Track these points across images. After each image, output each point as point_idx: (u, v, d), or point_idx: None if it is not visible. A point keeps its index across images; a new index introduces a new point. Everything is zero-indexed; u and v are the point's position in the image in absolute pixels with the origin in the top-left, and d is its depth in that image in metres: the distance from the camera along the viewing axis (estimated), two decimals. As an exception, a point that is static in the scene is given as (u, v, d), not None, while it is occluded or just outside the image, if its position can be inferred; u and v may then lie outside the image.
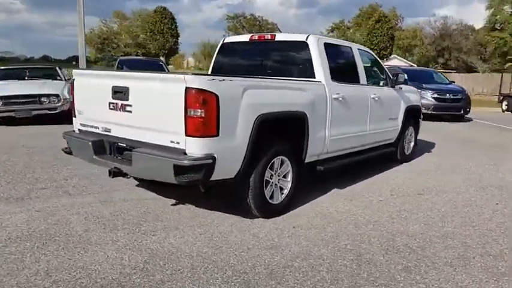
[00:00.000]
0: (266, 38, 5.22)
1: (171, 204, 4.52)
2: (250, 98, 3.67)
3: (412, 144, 7.23)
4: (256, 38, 5.32)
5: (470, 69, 60.84)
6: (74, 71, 4.39)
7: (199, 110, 3.30)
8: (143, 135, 3.70)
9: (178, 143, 3.45)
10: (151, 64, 13.83)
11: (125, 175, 3.94)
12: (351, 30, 78.72)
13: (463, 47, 67.32)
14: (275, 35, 5.16)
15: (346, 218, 4.26)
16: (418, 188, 5.46)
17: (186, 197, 4.64)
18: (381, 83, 6.11)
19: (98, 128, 4.14)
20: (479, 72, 51.49)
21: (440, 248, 3.57)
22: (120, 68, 13.07)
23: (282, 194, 4.28)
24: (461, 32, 70.76)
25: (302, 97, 4.33)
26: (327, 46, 4.93)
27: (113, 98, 3.84)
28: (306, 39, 4.84)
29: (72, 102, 4.40)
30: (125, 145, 3.90)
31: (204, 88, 3.31)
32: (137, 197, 4.72)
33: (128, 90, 3.71)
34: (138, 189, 5.03)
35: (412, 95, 7.08)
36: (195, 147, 3.37)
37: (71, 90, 4.41)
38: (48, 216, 4.08)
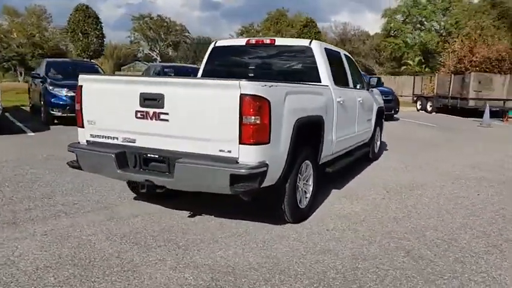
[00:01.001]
0: (265, 42, 5.22)
1: (188, 216, 4.31)
2: (291, 103, 3.67)
3: (378, 143, 7.72)
4: (254, 42, 5.29)
5: (368, 72, 65.85)
6: (82, 76, 3.97)
7: (254, 117, 3.22)
8: (183, 145, 3.50)
9: (229, 151, 3.32)
10: (85, 67, 12.83)
11: (155, 188, 3.66)
12: (260, 34, 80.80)
13: (361, 51, 72.47)
14: (275, 39, 5.18)
15: (366, 217, 4.43)
16: (404, 184, 5.85)
17: (191, 208, 4.45)
18: (360, 86, 6.43)
19: (117, 139, 3.80)
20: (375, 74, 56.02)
21: (468, 238, 3.90)
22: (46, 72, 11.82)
23: (306, 198, 4.33)
24: (359, 38, 76.13)
25: (320, 101, 4.42)
26: (326, 51, 5.08)
27: (142, 106, 3.57)
28: (310, 44, 4.94)
29: (78, 111, 3.98)
30: (156, 156, 3.64)
31: (259, 94, 3.25)
32: (145, 211, 4.42)
33: (162, 98, 3.47)
34: (137, 202, 4.72)
35: (379, 97, 7.56)
36: (249, 156, 3.29)
37: (77, 98, 3.98)
38: (63, 240, 3.66)
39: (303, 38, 41.13)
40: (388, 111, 14.64)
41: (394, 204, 4.93)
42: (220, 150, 3.36)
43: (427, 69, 46.60)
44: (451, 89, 17.51)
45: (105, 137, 3.87)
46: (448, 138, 11.33)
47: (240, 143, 3.27)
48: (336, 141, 4.95)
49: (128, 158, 3.75)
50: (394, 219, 4.38)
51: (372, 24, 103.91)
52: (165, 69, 13.88)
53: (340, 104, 5.01)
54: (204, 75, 5.46)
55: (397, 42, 61.04)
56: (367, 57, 71.08)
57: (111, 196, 4.94)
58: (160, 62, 69.83)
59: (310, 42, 4.98)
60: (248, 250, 3.52)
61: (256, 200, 3.84)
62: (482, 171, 6.90)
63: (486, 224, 4.31)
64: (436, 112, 18.74)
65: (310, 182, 4.38)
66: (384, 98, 14.42)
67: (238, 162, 3.31)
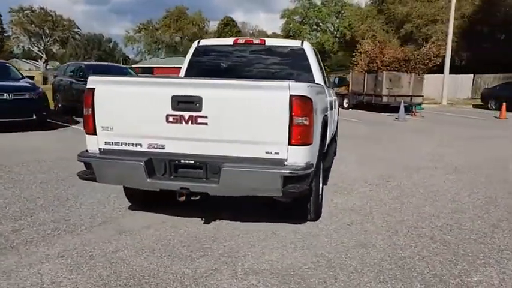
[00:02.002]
0: (255, 42, 5.21)
1: (204, 223, 4.16)
2: (319, 103, 3.76)
3: (336, 138, 8.13)
4: (243, 42, 5.25)
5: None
6: (94, 78, 3.59)
7: (302, 118, 3.26)
8: (224, 149, 3.39)
9: (277, 153, 3.31)
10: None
11: (191, 195, 3.48)
12: (159, 32, 78.74)
13: (262, 50, 73.75)
14: (265, 39, 5.21)
15: (371, 210, 4.67)
16: (377, 177, 6.26)
17: (194, 213, 4.31)
18: (328, 84, 6.72)
19: (141, 146, 3.54)
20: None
21: (469, 221, 4.34)
22: None
23: (320, 194, 4.45)
24: (258, 37, 77.55)
25: (327, 100, 4.58)
26: (314, 51, 5.25)
27: (175, 110, 3.37)
28: (302, 45, 5.06)
29: (89, 116, 3.61)
30: (192, 162, 3.46)
31: (306, 95, 3.29)
32: (153, 221, 4.15)
33: (200, 100, 3.32)
34: (138, 213, 4.42)
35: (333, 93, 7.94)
36: (297, 157, 3.31)
37: (87, 101, 3.60)
38: (89, 260, 3.32)
39: (225, 36, 41.24)
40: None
41: (384, 195, 5.27)
42: (267, 152, 3.32)
43: (327, 69, 49.58)
44: (365, 87, 18.99)
45: (126, 144, 3.57)
46: (380, 132, 12.30)
47: (290, 144, 3.27)
48: (327, 139, 5.15)
49: (155, 165, 3.51)
50: (396, 210, 4.69)
51: (269, 23, 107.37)
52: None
53: (330, 103, 5.21)
54: (187, 75, 5.27)
55: (297, 43, 64.13)
56: (267, 56, 72.91)
57: (102, 209, 4.56)
58: (45, 59, 63.90)
59: (302, 43, 5.10)
60: (291, 251, 3.53)
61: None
62: (432, 161, 7.64)
63: (472, 207, 4.83)
64: (352, 108, 20.12)
65: (321, 179, 4.50)
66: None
67: (286, 164, 3.31)
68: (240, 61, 5.33)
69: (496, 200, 5.14)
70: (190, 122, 3.37)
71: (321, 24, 67.49)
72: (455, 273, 3.17)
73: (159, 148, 3.51)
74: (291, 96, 3.21)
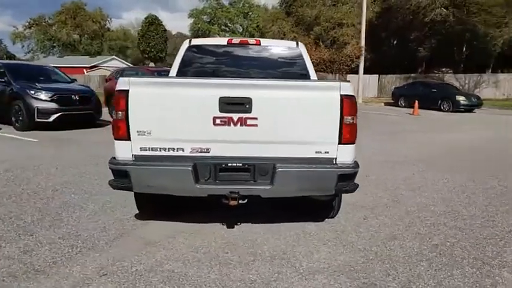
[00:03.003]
0: (250, 42, 5.20)
1: (227, 228, 4.08)
2: None
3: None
4: (238, 42, 5.21)
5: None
6: (128, 79, 3.31)
7: (350, 117, 3.38)
8: (274, 150, 3.38)
9: (327, 152, 3.39)
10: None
11: (238, 199, 3.41)
12: (54, 28, 72.96)
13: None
14: (260, 40, 5.21)
15: (377, 204, 4.95)
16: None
17: (208, 218, 4.23)
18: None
19: (184, 150, 3.37)
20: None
21: (467, 209, 4.80)
22: None
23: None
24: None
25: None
26: (303, 51, 5.40)
27: (223, 112, 3.28)
28: (297, 46, 5.18)
29: (122, 121, 3.33)
30: (240, 165, 3.39)
31: (353, 94, 3.41)
32: (173, 230, 3.97)
33: (250, 102, 3.27)
34: (151, 223, 4.19)
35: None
36: (346, 155, 3.43)
37: (119, 104, 3.33)
38: (153, 275, 3.10)
39: (150, 35, 39.37)
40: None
41: (375, 189, 5.59)
42: (317, 152, 3.39)
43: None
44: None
45: (165, 149, 3.37)
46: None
47: (340, 143, 3.37)
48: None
49: (199, 170, 3.37)
50: (395, 202, 5.02)
51: (169, 22, 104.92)
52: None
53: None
54: (178, 74, 5.08)
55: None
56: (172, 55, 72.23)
57: (107, 220, 4.23)
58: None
59: (297, 44, 5.21)
60: (335, 248, 3.63)
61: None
62: (393, 156, 8.20)
63: (455, 195, 5.35)
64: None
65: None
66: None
67: (336, 163, 3.40)
68: (235, 61, 5.27)
69: (467, 186, 5.74)
70: (239, 124, 3.29)
71: (229, 24, 68.30)
72: (489, 255, 3.53)
73: (204, 152, 3.37)
74: (341, 96, 3.30)
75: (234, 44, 5.16)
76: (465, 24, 27.77)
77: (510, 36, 24.92)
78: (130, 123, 3.30)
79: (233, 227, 4.08)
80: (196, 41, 5.22)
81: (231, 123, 3.28)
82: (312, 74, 5.10)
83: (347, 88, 3.33)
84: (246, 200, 3.44)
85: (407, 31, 32.81)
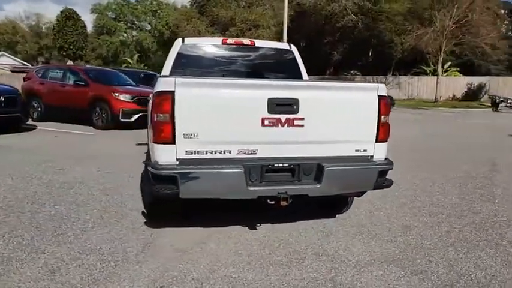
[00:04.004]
0: (245, 43, 5.22)
1: (250, 229, 4.09)
2: None
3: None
4: (232, 42, 5.19)
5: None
6: (173, 79, 3.14)
7: (386, 116, 3.62)
8: (318, 150, 3.48)
9: (365, 150, 3.59)
10: None
11: (285, 200, 3.44)
12: None
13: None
14: (254, 41, 5.26)
15: (373, 197, 5.26)
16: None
17: (222, 222, 4.24)
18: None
19: (231, 152, 3.32)
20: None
21: (474, 196, 5.32)
22: None
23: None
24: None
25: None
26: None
27: (271, 113, 3.29)
28: (290, 47, 5.34)
29: (167, 123, 3.17)
30: (286, 165, 3.43)
31: (387, 95, 3.65)
32: (197, 236, 3.89)
33: (297, 103, 3.34)
34: (166, 230, 4.02)
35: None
36: (382, 152, 3.65)
37: (163, 106, 3.16)
38: (219, 282, 3.01)
39: (68, 31, 35.76)
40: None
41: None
42: (357, 150, 3.56)
43: (146, 67, 48.87)
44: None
45: (212, 152, 3.28)
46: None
47: (376, 141, 3.58)
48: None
49: (248, 171, 3.34)
50: (388, 197, 5.38)
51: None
52: None
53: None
54: (172, 73, 4.93)
55: (112, 41, 61.24)
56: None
57: (118, 231, 3.97)
58: None
59: (290, 46, 5.35)
60: (367, 241, 3.82)
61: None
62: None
63: (438, 188, 5.90)
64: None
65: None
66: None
67: (374, 160, 3.60)
68: (230, 62, 5.25)
69: (432, 178, 6.34)
70: (286, 124, 3.33)
71: (136, 22, 65.87)
72: (496, 236, 4.00)
73: (251, 153, 3.35)
74: (378, 96, 3.51)
75: (228, 44, 5.13)
76: (372, 31, 30.14)
77: (410, 44, 27.55)
78: (176, 126, 3.15)
79: (255, 229, 4.08)
80: (189, 40, 5.09)
81: (279, 124, 3.30)
82: (304, 74, 5.27)
83: (383, 89, 3.54)
84: (291, 201, 3.47)
85: (320, 35, 34.63)
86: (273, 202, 3.47)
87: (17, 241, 3.67)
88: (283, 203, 3.35)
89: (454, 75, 33.29)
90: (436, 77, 29.70)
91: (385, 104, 3.54)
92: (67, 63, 29.31)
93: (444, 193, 5.54)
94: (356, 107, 3.49)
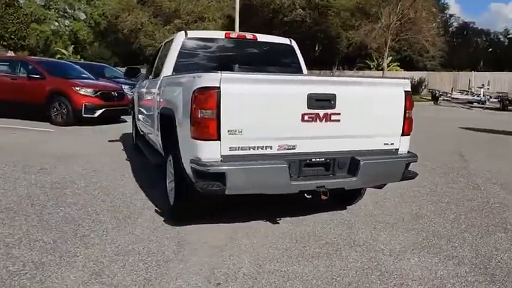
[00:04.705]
0: (248, 37, 5.26)
1: (273, 224, 4.19)
2: None
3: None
4: (235, 37, 5.22)
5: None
6: (218, 75, 3.13)
7: (410, 111, 3.86)
8: (351, 144, 3.64)
9: (392, 143, 3.81)
10: None
11: (325, 193, 3.57)
12: None
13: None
14: (256, 35, 5.31)
15: (369, 190, 5.53)
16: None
17: (238, 218, 4.34)
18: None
19: (272, 148, 3.39)
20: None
21: (483, 179, 5.73)
22: None
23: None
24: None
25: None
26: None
27: (310, 108, 3.40)
28: (290, 42, 5.46)
29: (212, 120, 3.17)
30: (322, 159, 3.55)
31: (410, 90, 3.89)
32: (222, 234, 3.94)
33: (334, 98, 3.48)
34: (189, 228, 4.01)
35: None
36: (406, 145, 3.89)
37: (208, 103, 3.15)
38: (277, 280, 3.08)
39: (8, 19, 32.61)
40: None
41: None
42: (385, 144, 3.76)
43: (82, 59, 46.62)
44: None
45: (254, 148, 3.32)
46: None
47: (402, 134, 3.80)
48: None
49: (289, 166, 3.43)
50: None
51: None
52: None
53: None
54: (178, 70, 4.88)
55: (43, 30, 57.76)
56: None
57: (142, 230, 3.93)
58: None
59: (290, 40, 5.47)
60: (390, 232, 4.03)
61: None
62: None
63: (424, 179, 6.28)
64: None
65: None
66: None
67: (400, 153, 3.83)
68: (234, 56, 5.27)
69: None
70: (324, 119, 3.45)
71: (69, 10, 62.56)
72: (500, 221, 4.39)
73: (291, 149, 3.43)
74: (405, 91, 3.73)
75: (231, 38, 5.15)
76: (320, 25, 30.99)
77: (359, 39, 28.69)
78: (222, 123, 3.17)
79: (278, 223, 4.18)
80: (193, 34, 5.04)
81: (317, 119, 3.42)
82: (304, 69, 5.42)
83: (408, 85, 3.76)
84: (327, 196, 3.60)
85: (268, 29, 34.92)
86: (310, 196, 3.57)
87: (39, 245, 3.49)
88: (324, 197, 3.47)
89: (396, 70, 35.09)
90: (379, 71, 31.19)
91: (410, 98, 3.76)
92: (7, 54, 27.29)
93: (434, 183, 5.93)
94: (385, 101, 3.69)
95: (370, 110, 3.63)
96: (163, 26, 40.62)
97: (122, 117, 12.24)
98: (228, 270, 3.16)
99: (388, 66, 34.47)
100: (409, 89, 3.78)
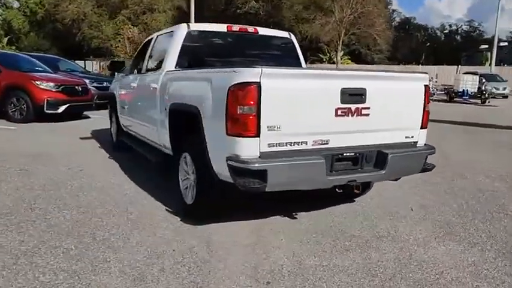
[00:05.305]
0: (249, 31, 5.22)
1: (291, 219, 4.24)
2: None
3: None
4: (237, 30, 5.16)
5: None
6: (264, 70, 3.08)
7: (428, 104, 4.02)
8: (378, 138, 3.73)
9: (412, 136, 3.95)
10: None
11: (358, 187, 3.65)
12: None
13: None
14: (257, 29, 5.29)
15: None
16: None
17: (249, 215, 4.38)
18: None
19: (307, 143, 3.40)
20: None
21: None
22: None
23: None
24: None
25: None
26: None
27: (343, 103, 3.46)
28: (290, 36, 5.50)
29: (252, 116, 3.13)
30: (352, 154, 3.62)
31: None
32: (248, 229, 3.95)
33: (365, 92, 3.55)
34: (210, 227, 3.98)
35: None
36: (423, 138, 4.05)
37: (248, 97, 3.11)
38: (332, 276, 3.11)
39: None
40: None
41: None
42: (406, 137, 3.90)
43: (17, 50, 43.94)
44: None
45: (291, 144, 3.32)
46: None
47: (421, 127, 3.96)
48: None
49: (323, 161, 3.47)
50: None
51: None
52: None
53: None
54: (179, 61, 4.77)
55: None
56: None
57: (172, 237, 3.83)
58: None
59: (289, 34, 5.50)
60: (405, 223, 4.14)
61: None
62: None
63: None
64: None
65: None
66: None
67: (418, 146, 3.98)
68: (232, 47, 5.23)
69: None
70: (355, 114, 3.52)
71: (3, -3, 58.44)
72: (499, 208, 4.66)
73: (324, 144, 3.46)
74: (424, 85, 3.89)
75: (233, 31, 5.09)
76: (273, 18, 31.22)
77: (313, 33, 29.22)
78: (261, 119, 3.14)
79: (296, 218, 4.22)
80: (195, 26, 4.92)
81: (349, 114, 3.48)
82: (303, 63, 5.48)
83: (427, 79, 3.92)
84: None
85: (220, 21, 34.68)
86: (341, 190, 3.63)
87: (62, 252, 3.31)
88: (357, 191, 3.54)
89: (347, 63, 36.15)
90: (331, 64, 31.94)
91: (428, 93, 3.91)
92: None
93: (425, 174, 6.18)
94: (408, 95, 3.82)
95: (395, 104, 3.73)
96: (109, 17, 39.19)
97: (85, 113, 11.74)
98: (270, 268, 3.15)
99: (340, 59, 35.45)
100: (428, 83, 3.92)
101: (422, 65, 38.08)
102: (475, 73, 26.18)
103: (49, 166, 5.94)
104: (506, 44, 47.84)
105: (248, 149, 3.17)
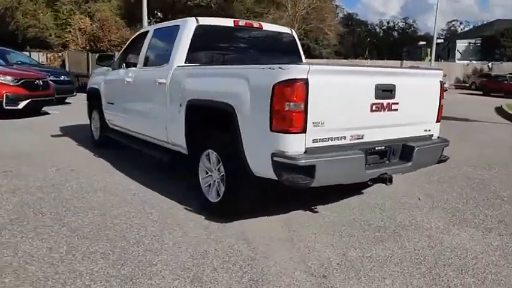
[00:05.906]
0: (255, 26, 5.23)
1: (304, 211, 4.35)
2: None
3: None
4: (244, 25, 5.15)
5: None
6: (312, 66, 3.11)
7: (443, 100, 4.26)
8: (403, 132, 3.91)
9: (429, 130, 4.18)
10: None
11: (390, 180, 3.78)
12: None
13: None
14: (262, 24, 5.30)
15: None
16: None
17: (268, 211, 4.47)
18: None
19: (345, 138, 3.50)
20: None
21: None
22: None
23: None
24: None
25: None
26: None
27: (377, 98, 3.60)
28: (291, 32, 5.58)
29: (300, 113, 3.17)
30: (383, 148, 3.77)
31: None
32: (274, 225, 4.02)
33: (394, 88, 3.71)
34: (230, 226, 4.01)
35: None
36: (437, 132, 4.29)
37: (295, 94, 3.14)
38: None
39: None
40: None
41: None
42: (425, 130, 4.12)
43: None
44: (90, 68, 17.84)
45: (332, 139, 3.41)
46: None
47: (436, 121, 4.20)
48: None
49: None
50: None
51: None
52: None
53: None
54: (190, 59, 4.70)
55: None
56: None
57: (219, 236, 3.79)
58: None
59: (291, 30, 5.57)
60: (423, 213, 4.40)
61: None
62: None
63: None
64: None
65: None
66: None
67: (433, 139, 4.22)
68: (238, 42, 5.22)
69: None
70: (387, 109, 3.67)
71: None
72: (495, 196, 5.03)
73: (360, 138, 3.58)
74: (440, 82, 4.12)
75: (240, 26, 5.09)
76: (225, 11, 31.05)
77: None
78: (308, 115, 3.19)
79: (317, 211, 4.32)
80: (204, 21, 4.84)
81: (382, 109, 3.62)
82: (303, 57, 5.59)
83: (441, 75, 4.15)
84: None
85: (170, 13, 34.03)
86: (371, 183, 3.77)
87: (100, 257, 3.17)
88: (389, 184, 3.69)
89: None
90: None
91: (443, 88, 4.15)
92: None
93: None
94: (428, 90, 4.03)
95: (417, 99, 3.94)
96: (46, 4, 37.08)
97: (44, 108, 11.15)
98: (319, 262, 3.21)
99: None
100: (442, 79, 4.15)
101: (367, 59, 39.52)
102: (417, 68, 27.59)
103: (34, 167, 5.62)
104: (442, 41, 50.73)
105: (295, 145, 3.21)
